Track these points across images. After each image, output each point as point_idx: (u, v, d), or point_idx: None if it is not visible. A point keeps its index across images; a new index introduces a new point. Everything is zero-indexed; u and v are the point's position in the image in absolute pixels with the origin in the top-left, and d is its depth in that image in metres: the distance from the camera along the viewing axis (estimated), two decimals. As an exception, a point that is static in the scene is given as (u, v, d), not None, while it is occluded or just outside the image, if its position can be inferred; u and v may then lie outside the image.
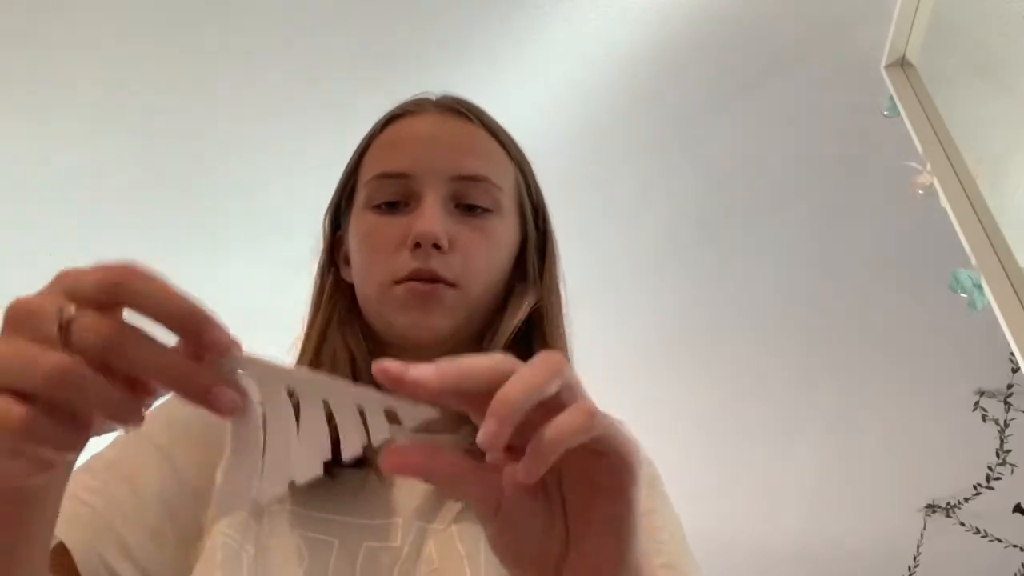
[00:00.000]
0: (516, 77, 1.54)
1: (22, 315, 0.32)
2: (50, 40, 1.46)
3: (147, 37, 1.47)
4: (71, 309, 0.31)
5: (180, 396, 0.32)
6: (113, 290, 0.32)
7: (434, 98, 0.72)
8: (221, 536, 0.55)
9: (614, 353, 2.17)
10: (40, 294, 0.33)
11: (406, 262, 0.61)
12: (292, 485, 0.35)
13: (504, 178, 0.68)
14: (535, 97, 1.59)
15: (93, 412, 0.32)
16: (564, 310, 0.70)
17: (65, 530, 0.50)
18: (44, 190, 1.81)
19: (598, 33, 1.46)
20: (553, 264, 0.71)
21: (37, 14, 1.41)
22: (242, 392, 0.33)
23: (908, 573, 2.73)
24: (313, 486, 0.43)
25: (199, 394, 0.32)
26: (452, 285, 0.62)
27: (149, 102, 1.60)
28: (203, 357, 0.33)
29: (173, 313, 0.32)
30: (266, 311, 2.16)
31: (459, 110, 0.70)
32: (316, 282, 0.72)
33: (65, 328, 0.31)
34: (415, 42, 1.49)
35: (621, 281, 2.01)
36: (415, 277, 0.61)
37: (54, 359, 0.30)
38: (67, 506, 0.41)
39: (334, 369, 0.62)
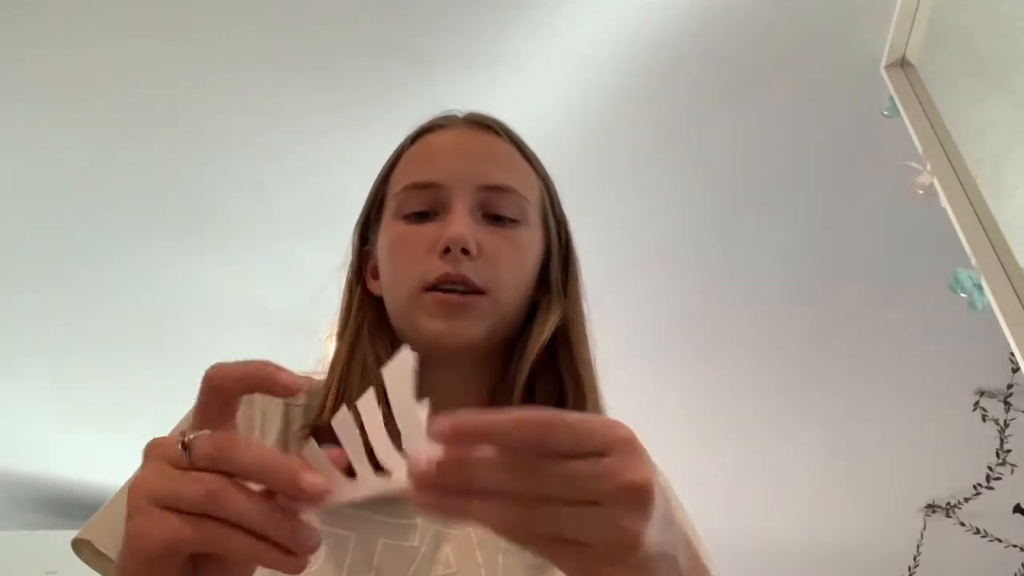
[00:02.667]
0: (518, 77, 1.54)
1: (156, 448, 0.38)
2: (50, 40, 1.46)
3: (148, 37, 1.47)
4: (190, 436, 0.37)
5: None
6: (214, 457, 0.36)
7: (461, 114, 0.74)
8: None
9: (615, 353, 2.17)
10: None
11: (435, 267, 0.62)
12: None
13: (530, 191, 0.70)
14: (536, 96, 1.59)
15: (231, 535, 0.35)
16: (588, 324, 0.71)
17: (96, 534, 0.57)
18: (43, 191, 1.81)
19: (600, 33, 1.47)
20: (576, 277, 0.73)
21: (36, 14, 1.41)
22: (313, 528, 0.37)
23: (908, 573, 2.73)
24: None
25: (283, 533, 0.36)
26: (480, 292, 0.63)
27: (149, 103, 1.60)
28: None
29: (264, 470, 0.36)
30: (266, 310, 2.17)
31: (487, 125, 0.72)
32: (344, 295, 0.73)
33: (188, 447, 0.36)
34: (417, 44, 1.49)
35: (622, 280, 2.01)
36: (445, 280, 0.62)
37: (195, 477, 0.36)
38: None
39: (364, 378, 0.63)
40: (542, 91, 1.58)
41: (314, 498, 0.35)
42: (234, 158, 1.73)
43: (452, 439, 0.33)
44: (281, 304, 2.09)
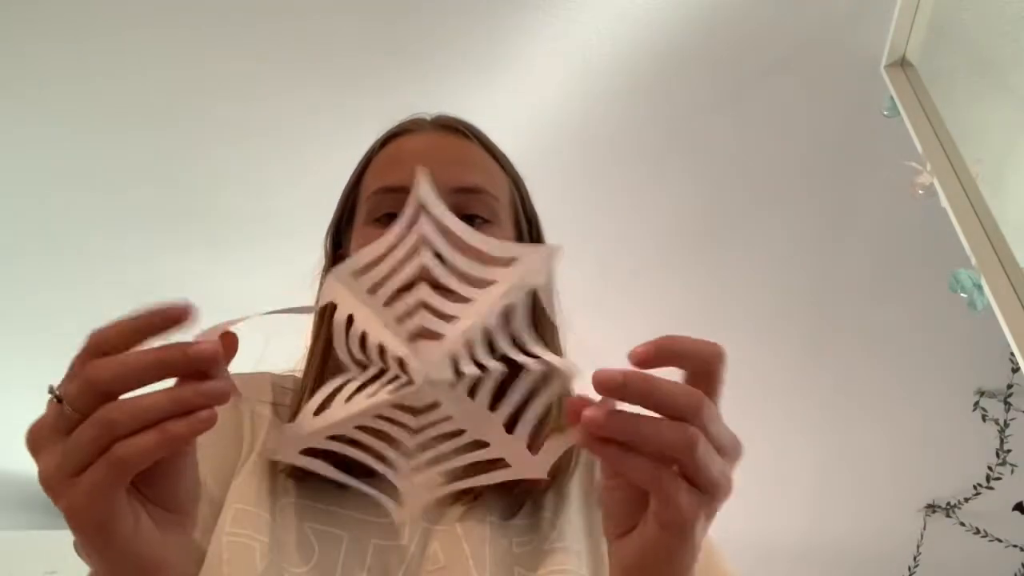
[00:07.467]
0: (517, 77, 1.54)
1: (34, 432, 0.39)
2: (49, 32, 1.46)
3: (148, 34, 1.47)
4: (56, 390, 0.38)
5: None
6: (89, 390, 0.37)
7: (429, 118, 0.75)
8: (226, 537, 0.56)
9: (613, 354, 2.17)
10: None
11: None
12: (302, 478, 0.38)
13: (500, 190, 0.70)
14: (536, 96, 1.59)
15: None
16: (559, 317, 0.71)
17: None
18: (43, 188, 1.81)
19: (599, 33, 1.47)
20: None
21: (36, 5, 1.41)
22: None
23: (908, 573, 2.73)
24: (321, 479, 0.47)
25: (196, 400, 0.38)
26: None
27: (149, 99, 1.60)
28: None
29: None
30: (265, 308, 2.16)
31: (455, 127, 0.73)
32: (317, 297, 0.73)
33: (60, 399, 0.38)
34: (418, 45, 1.49)
35: (620, 281, 2.01)
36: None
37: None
38: None
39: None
40: (542, 92, 1.58)
41: (208, 359, 0.37)
42: (234, 156, 1.73)
43: (616, 393, 0.37)
44: (280, 302, 2.08)
